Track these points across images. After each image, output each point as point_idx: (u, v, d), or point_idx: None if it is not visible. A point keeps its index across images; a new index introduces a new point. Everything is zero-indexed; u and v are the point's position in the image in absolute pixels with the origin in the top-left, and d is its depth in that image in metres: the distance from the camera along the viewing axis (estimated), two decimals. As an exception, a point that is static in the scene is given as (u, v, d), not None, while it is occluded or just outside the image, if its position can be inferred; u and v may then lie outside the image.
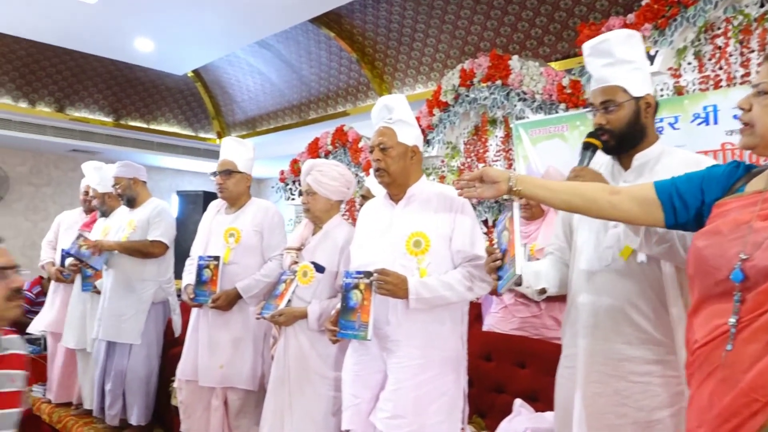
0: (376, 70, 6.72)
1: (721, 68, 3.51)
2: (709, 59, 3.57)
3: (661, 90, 3.74)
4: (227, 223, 3.06)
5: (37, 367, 4.37)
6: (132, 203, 3.80)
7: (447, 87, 5.07)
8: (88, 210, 4.43)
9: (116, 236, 3.74)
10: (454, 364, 2.13)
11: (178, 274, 3.57)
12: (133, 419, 3.62)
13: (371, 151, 2.20)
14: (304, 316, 2.54)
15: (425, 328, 2.09)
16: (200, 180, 9.95)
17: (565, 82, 4.17)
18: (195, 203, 7.54)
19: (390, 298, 2.04)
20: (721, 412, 1.10)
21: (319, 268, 2.59)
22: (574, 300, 1.77)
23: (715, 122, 3.34)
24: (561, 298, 2.95)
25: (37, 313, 4.58)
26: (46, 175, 8.72)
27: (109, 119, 8.11)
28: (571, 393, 1.72)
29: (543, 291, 1.80)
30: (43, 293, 5.23)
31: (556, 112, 4.21)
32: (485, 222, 4.82)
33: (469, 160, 5.11)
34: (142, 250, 3.63)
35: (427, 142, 5.21)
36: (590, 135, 1.74)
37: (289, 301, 2.60)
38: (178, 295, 3.72)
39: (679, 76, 3.70)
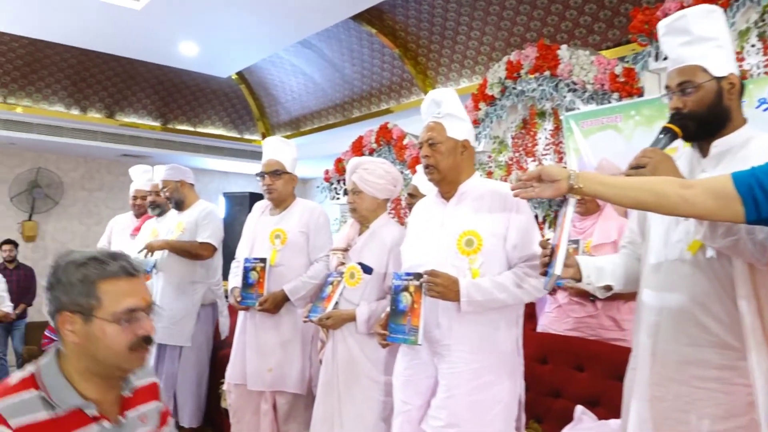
0: (420, 65, 6.62)
1: (788, 50, 3.30)
2: (776, 40, 3.35)
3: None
4: (273, 225, 3.01)
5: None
6: (180, 206, 3.82)
7: (493, 80, 4.95)
8: (139, 214, 4.50)
9: (166, 238, 3.77)
10: (509, 370, 2.03)
11: (224, 276, 3.57)
12: (185, 422, 3.65)
13: (420, 147, 2.12)
14: (352, 318, 2.48)
15: (477, 331, 2.00)
16: (245, 181, 10.06)
17: (618, 70, 4.00)
18: (241, 204, 7.59)
19: (440, 300, 1.96)
20: None
21: (367, 269, 2.52)
22: (640, 296, 1.65)
23: (784, 107, 3.13)
24: (620, 297, 2.84)
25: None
26: (99, 179, 8.97)
27: (157, 123, 8.27)
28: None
29: (609, 288, 1.69)
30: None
31: (609, 102, 4.05)
32: (535, 218, 4.68)
33: (517, 154, 4.98)
34: (191, 251, 3.64)
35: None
36: (671, 120, 1.58)
37: (337, 303, 2.54)
38: (225, 297, 3.72)
39: (743, 59, 3.48)
